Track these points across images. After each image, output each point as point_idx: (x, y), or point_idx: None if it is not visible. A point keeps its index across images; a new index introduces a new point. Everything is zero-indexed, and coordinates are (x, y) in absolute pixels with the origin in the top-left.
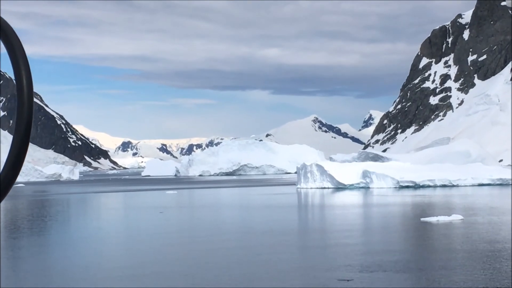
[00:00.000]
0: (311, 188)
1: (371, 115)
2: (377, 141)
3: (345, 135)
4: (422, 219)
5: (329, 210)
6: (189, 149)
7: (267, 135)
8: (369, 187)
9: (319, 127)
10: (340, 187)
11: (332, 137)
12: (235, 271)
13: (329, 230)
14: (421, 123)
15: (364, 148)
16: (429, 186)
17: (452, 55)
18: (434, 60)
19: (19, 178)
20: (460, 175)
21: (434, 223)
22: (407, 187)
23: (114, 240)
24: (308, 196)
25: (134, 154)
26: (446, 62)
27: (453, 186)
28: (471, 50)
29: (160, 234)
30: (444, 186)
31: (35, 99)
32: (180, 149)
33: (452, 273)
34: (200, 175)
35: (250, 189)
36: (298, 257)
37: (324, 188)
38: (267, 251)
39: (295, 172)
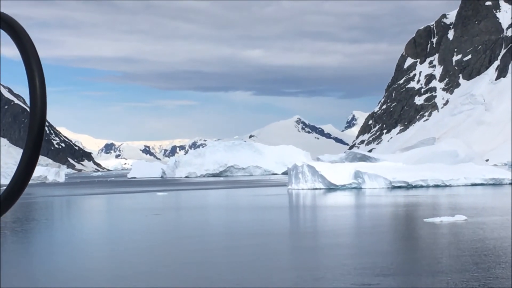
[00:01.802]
0: (302, 189)
1: (354, 115)
2: (362, 142)
3: (328, 135)
4: (425, 219)
5: (326, 211)
6: (172, 151)
7: (250, 136)
8: (361, 188)
9: (302, 128)
10: (332, 188)
11: (315, 137)
12: (234, 272)
13: (332, 232)
14: (406, 123)
15: (350, 149)
16: (421, 186)
17: (437, 55)
18: (419, 60)
19: (4, 181)
20: (453, 175)
21: (438, 223)
22: (400, 187)
23: (117, 244)
24: (301, 197)
25: (117, 156)
26: (431, 62)
27: (446, 186)
28: (455, 50)
29: (161, 236)
30: (436, 186)
31: (17, 102)
32: (163, 151)
33: (464, 275)
34: (186, 177)
35: (241, 191)
36: (306, 259)
37: (316, 188)
38: (266, 252)
39: (282, 173)
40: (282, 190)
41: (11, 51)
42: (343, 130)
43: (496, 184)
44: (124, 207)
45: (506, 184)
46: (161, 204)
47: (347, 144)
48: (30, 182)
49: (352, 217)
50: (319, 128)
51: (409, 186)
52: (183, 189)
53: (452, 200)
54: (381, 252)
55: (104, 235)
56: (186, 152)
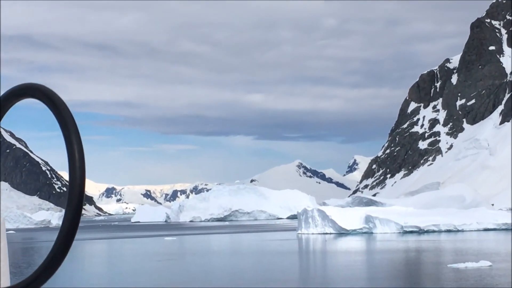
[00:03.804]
0: (312, 233)
1: (355, 160)
2: (366, 186)
3: (329, 180)
4: (449, 265)
5: (344, 257)
6: (173, 195)
7: (251, 181)
8: (372, 232)
9: (304, 172)
10: (342, 233)
11: (317, 182)
12: None
13: (359, 279)
14: (410, 167)
15: (353, 193)
16: (433, 231)
17: (440, 100)
18: (422, 104)
19: (8, 225)
20: (465, 220)
21: (463, 269)
22: (411, 232)
23: None
24: (313, 242)
25: (118, 200)
26: (434, 107)
27: (458, 231)
28: (459, 94)
29: (180, 282)
30: (448, 231)
31: (19, 146)
32: (164, 195)
33: None
34: (191, 221)
35: (250, 236)
36: None
37: (326, 233)
38: None
39: (287, 218)
40: (292, 235)
41: None
42: (344, 175)
43: (509, 229)
44: (134, 251)
45: None
46: (171, 249)
47: (349, 189)
48: (34, 226)
49: (371, 263)
50: (321, 172)
51: (421, 231)
52: (190, 234)
53: (471, 245)
54: None
55: (120, 282)
56: (187, 196)
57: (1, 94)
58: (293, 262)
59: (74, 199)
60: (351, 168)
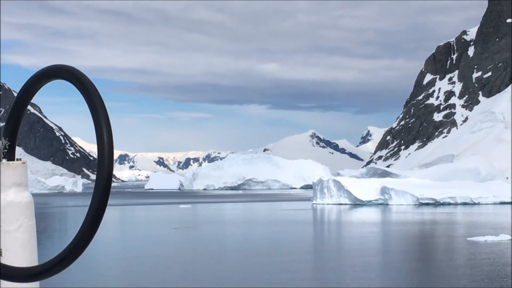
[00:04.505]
0: (327, 204)
1: (369, 131)
2: (379, 157)
3: (342, 151)
4: (468, 238)
5: (360, 228)
6: (186, 163)
7: (264, 150)
8: (387, 204)
9: (317, 143)
10: (357, 204)
11: (330, 152)
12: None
13: (381, 251)
14: (424, 139)
15: (367, 164)
16: (449, 204)
17: (456, 72)
18: (438, 76)
19: None
20: (482, 193)
21: (483, 243)
22: (427, 204)
23: (151, 258)
24: (328, 212)
25: (131, 167)
26: (450, 79)
27: (474, 204)
28: (475, 67)
29: (197, 249)
30: (465, 203)
31: (34, 111)
32: (177, 163)
33: None
34: (204, 189)
35: (265, 205)
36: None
37: (341, 204)
38: (309, 275)
39: (301, 188)
40: (307, 205)
41: (25, 60)
42: (357, 146)
43: None
44: (150, 218)
45: None
46: (186, 217)
47: (362, 160)
48: (47, 191)
49: (388, 235)
50: (334, 143)
51: (437, 203)
52: (204, 202)
53: (488, 219)
54: (437, 275)
55: (136, 249)
56: (200, 164)
57: (32, 75)
58: (308, 232)
59: (102, 182)
60: (365, 139)
